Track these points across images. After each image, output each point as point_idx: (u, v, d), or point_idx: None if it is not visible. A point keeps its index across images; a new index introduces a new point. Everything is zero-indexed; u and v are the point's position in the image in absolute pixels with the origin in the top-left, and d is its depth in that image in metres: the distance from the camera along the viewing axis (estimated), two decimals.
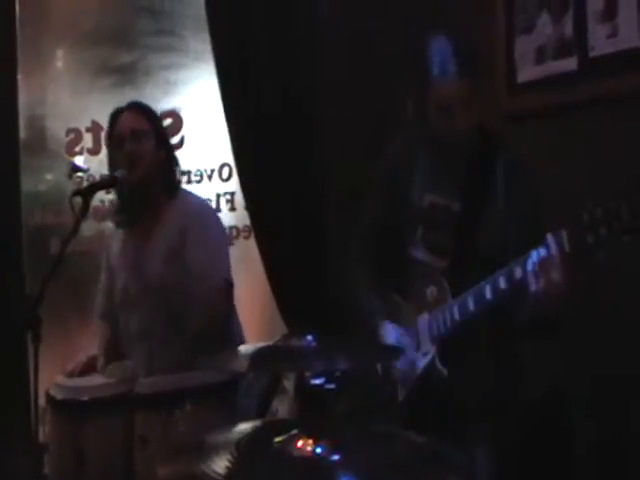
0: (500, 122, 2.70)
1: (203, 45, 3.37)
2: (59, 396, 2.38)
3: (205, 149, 3.61)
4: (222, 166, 3.61)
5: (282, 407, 3.05)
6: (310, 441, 1.57)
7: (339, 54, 3.24)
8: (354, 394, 2.22)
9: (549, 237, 1.89)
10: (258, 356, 1.83)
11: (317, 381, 1.62)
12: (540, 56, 2.62)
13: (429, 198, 2.25)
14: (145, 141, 2.63)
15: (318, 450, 1.56)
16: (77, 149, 3.68)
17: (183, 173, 3.40)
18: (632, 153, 2.33)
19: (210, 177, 3.62)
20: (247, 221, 3.44)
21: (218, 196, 3.58)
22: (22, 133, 3.63)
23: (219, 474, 1.48)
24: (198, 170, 3.61)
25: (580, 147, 2.49)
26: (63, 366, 2.66)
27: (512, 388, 2.22)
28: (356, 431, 1.74)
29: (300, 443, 1.58)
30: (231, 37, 3.24)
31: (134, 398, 2.30)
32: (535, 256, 1.91)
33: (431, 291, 2.22)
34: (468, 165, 2.19)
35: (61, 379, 2.53)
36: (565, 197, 2.29)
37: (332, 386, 1.62)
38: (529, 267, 1.92)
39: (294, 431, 1.61)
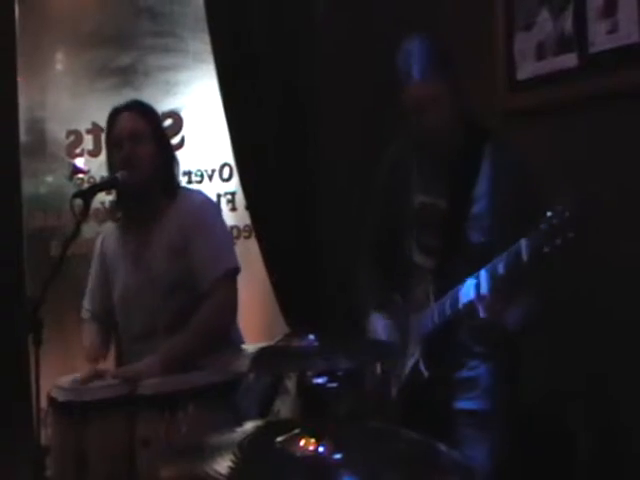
0: (500, 118, 2.71)
1: (203, 46, 3.38)
2: (61, 398, 2.36)
3: (206, 149, 3.60)
4: (223, 166, 3.61)
5: (284, 407, 3.05)
6: (312, 441, 1.57)
7: (339, 54, 3.24)
8: (355, 393, 2.22)
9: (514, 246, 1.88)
10: (260, 356, 1.82)
11: (319, 381, 1.62)
12: (540, 52, 2.61)
13: (419, 198, 2.26)
14: (144, 143, 2.61)
15: (320, 450, 1.56)
16: (77, 151, 3.67)
17: (184, 173, 3.40)
18: (632, 149, 2.33)
19: (211, 177, 3.62)
20: (248, 221, 3.44)
21: (219, 196, 3.57)
22: (22, 136, 3.63)
23: (222, 475, 1.48)
24: (199, 170, 3.60)
25: (580, 143, 2.49)
26: (64, 368, 2.65)
27: (501, 390, 2.20)
28: (358, 430, 1.74)
29: (302, 443, 1.58)
30: (231, 37, 3.24)
31: (136, 399, 2.30)
32: (464, 297, 2.00)
33: (422, 291, 2.22)
34: (452, 162, 2.19)
35: (62, 381, 2.53)
36: (564, 193, 2.28)
37: (334, 385, 1.61)
38: (461, 305, 2.02)
39: (296, 431, 1.61)
